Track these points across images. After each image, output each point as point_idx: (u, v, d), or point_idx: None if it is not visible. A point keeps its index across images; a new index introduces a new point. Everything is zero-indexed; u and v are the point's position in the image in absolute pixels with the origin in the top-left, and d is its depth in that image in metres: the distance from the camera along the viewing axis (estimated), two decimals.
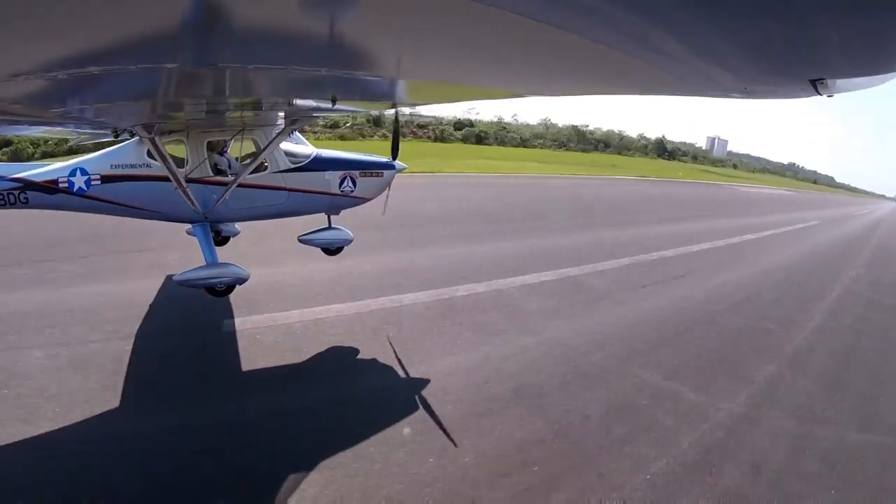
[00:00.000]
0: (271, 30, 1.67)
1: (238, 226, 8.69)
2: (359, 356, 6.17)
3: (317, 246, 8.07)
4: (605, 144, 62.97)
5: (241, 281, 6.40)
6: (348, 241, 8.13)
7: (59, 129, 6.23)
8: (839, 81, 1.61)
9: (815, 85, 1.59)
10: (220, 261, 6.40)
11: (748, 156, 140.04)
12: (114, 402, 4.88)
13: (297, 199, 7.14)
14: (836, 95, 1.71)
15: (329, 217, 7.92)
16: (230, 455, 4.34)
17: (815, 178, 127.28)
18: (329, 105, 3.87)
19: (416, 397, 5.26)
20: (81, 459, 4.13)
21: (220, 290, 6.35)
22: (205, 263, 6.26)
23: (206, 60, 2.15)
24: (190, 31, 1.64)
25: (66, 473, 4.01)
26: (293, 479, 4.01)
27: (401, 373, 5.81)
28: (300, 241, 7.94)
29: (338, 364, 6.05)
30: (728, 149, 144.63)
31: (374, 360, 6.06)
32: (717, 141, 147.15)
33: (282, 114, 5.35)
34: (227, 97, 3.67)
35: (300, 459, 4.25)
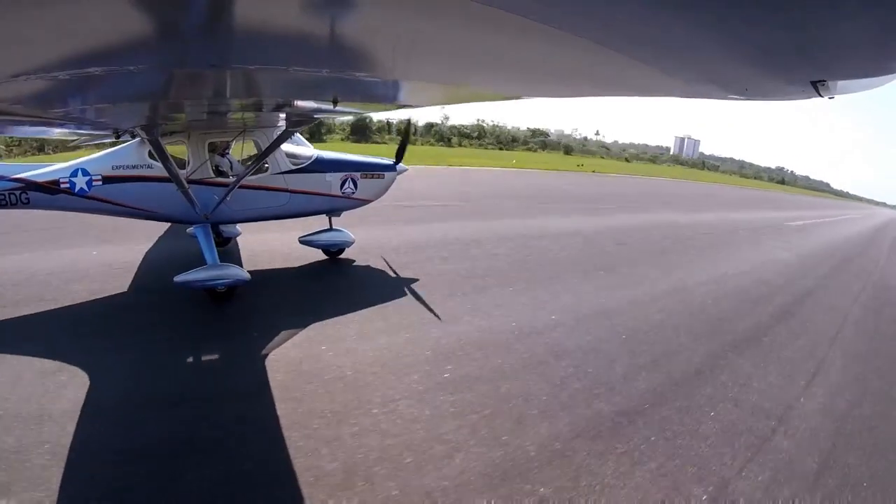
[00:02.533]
0: (272, 31, 1.67)
1: (239, 226, 8.71)
2: None
3: (317, 247, 8.08)
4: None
5: (242, 282, 6.40)
6: (349, 243, 8.14)
7: (59, 129, 6.24)
8: (840, 83, 1.60)
9: (816, 86, 1.59)
10: (220, 262, 6.41)
11: (731, 159, 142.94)
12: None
13: (298, 200, 7.16)
14: (837, 98, 1.70)
15: (330, 218, 7.94)
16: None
17: (782, 179, 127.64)
18: (330, 106, 3.87)
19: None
20: None
21: (221, 292, 6.35)
22: (206, 265, 6.27)
23: (207, 61, 2.15)
24: (191, 31, 1.64)
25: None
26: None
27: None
28: (301, 242, 7.95)
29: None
30: (700, 150, 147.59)
31: None
32: (685, 141, 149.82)
33: (283, 115, 5.36)
34: (229, 98, 3.67)
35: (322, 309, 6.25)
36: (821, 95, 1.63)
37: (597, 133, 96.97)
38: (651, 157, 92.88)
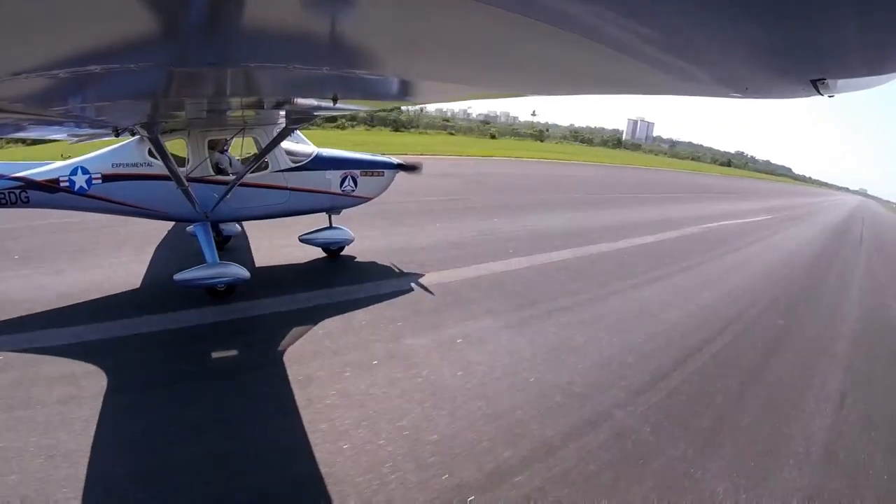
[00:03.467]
0: (272, 29, 1.67)
1: (239, 225, 8.70)
2: None
3: (317, 245, 8.08)
4: None
5: (242, 281, 6.40)
6: (349, 241, 8.13)
7: (57, 129, 6.23)
8: (840, 81, 1.60)
9: (816, 85, 1.59)
10: (220, 260, 6.40)
11: (689, 143, 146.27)
12: None
13: (298, 198, 7.15)
14: (836, 95, 1.71)
15: (330, 216, 7.93)
16: None
17: (728, 161, 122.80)
18: (330, 104, 3.87)
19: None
20: None
21: (221, 290, 6.34)
22: (206, 263, 6.26)
23: (206, 60, 2.15)
24: (191, 30, 1.64)
25: None
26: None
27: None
28: (301, 240, 7.95)
29: None
30: (656, 132, 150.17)
31: None
32: (639, 123, 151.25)
33: (283, 113, 5.36)
34: (229, 96, 3.67)
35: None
36: (821, 94, 1.63)
37: (533, 114, 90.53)
38: (536, 131, 74.59)
